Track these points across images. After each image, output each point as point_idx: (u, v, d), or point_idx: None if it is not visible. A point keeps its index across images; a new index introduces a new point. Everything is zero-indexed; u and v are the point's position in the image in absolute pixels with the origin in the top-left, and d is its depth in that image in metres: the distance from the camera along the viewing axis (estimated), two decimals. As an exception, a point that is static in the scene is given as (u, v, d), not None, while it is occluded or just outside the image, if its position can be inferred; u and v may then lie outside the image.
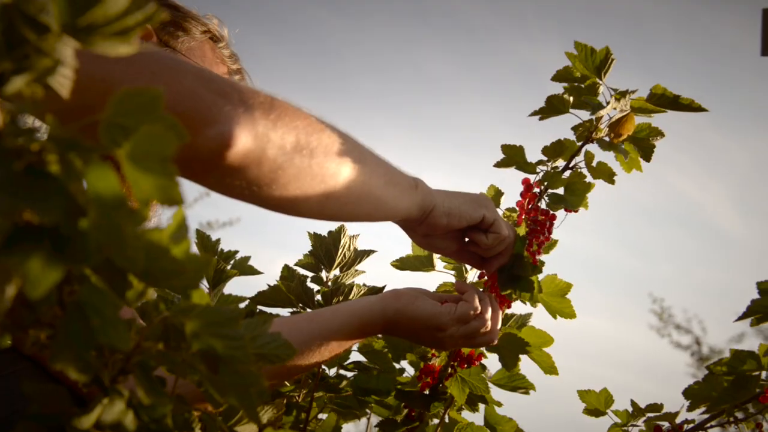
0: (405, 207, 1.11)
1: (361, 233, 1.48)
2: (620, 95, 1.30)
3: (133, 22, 0.40)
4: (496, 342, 1.31)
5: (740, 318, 1.21)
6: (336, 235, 1.45)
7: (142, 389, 0.57)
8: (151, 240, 0.49)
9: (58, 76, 0.43)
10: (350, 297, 1.38)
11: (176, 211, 0.53)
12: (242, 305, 1.37)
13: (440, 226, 1.18)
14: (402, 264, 1.47)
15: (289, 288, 1.35)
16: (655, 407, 1.35)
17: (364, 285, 1.41)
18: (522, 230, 1.36)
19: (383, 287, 1.43)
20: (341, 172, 0.96)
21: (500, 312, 1.31)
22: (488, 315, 1.27)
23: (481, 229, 1.24)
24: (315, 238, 1.46)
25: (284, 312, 1.38)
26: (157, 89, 0.46)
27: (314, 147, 0.92)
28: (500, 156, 1.39)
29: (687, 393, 1.27)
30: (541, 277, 1.35)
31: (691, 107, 1.30)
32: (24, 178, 0.38)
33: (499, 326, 1.31)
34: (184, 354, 0.60)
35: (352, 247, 1.46)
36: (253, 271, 1.51)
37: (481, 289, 1.32)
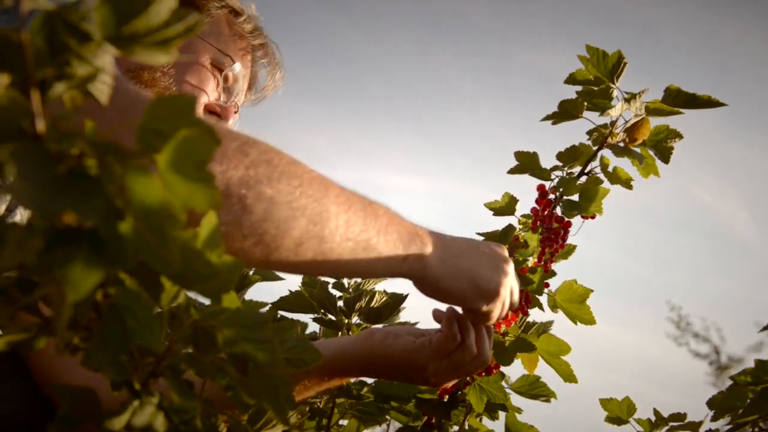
0: (383, 275, 1.01)
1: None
2: (631, 97, 1.30)
3: (174, 33, 0.41)
4: (489, 363, 1.22)
5: (765, 328, 1.21)
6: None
7: (174, 391, 0.58)
8: (185, 243, 0.50)
9: (98, 83, 0.44)
10: (372, 303, 1.39)
11: (208, 214, 0.54)
12: (263, 311, 1.38)
13: (425, 294, 1.06)
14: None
15: (312, 294, 1.36)
16: (678, 416, 1.35)
17: (385, 291, 1.42)
18: (537, 238, 1.36)
19: (406, 295, 1.43)
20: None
21: (488, 329, 1.20)
22: (471, 340, 1.16)
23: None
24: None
25: (306, 318, 1.39)
26: (190, 96, 0.47)
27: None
28: (513, 161, 1.40)
29: (711, 403, 1.26)
30: (558, 283, 1.36)
31: (709, 103, 1.29)
32: (66, 180, 0.39)
33: (489, 346, 1.20)
34: (213, 357, 0.61)
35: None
36: (274, 277, 1.51)
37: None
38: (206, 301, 0.60)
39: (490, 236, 1.41)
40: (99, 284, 0.44)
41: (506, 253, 1.11)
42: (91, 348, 0.50)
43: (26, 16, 0.40)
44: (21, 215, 1.14)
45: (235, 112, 1.51)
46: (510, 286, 1.10)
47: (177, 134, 0.45)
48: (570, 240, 1.37)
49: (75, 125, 0.42)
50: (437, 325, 1.19)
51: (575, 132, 1.38)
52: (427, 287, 1.02)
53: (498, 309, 1.09)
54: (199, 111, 1.41)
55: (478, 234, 1.42)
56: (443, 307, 1.17)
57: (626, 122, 1.32)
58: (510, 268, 1.10)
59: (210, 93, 1.42)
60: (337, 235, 0.87)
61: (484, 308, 1.07)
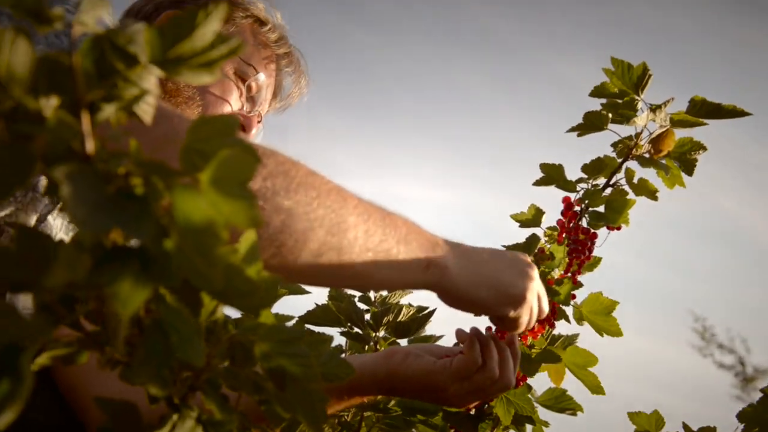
0: (405, 285, 0.99)
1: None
2: (656, 107, 1.30)
3: (218, 55, 0.43)
4: (511, 387, 1.20)
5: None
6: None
7: (212, 405, 0.59)
8: (227, 260, 0.51)
9: (143, 104, 0.45)
10: (399, 317, 1.39)
11: (248, 231, 0.55)
12: (290, 324, 1.39)
13: (449, 304, 1.05)
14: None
15: (339, 308, 1.36)
16: (708, 430, 1.34)
17: (411, 305, 1.42)
18: (563, 250, 1.37)
19: (433, 310, 1.43)
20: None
21: (514, 351, 1.19)
22: (493, 364, 1.15)
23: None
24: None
25: (332, 331, 1.39)
26: (232, 116, 0.48)
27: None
28: (537, 171, 1.40)
29: (741, 416, 1.25)
30: (585, 295, 1.36)
31: (735, 113, 1.29)
32: (115, 200, 0.40)
33: (512, 370, 1.19)
34: (250, 371, 0.62)
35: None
36: (300, 291, 1.52)
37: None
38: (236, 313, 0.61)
39: (515, 248, 1.41)
40: (146, 300, 0.45)
41: (530, 261, 1.09)
42: (135, 362, 0.51)
43: (76, 39, 0.41)
44: (51, 225, 1.15)
45: (259, 122, 1.52)
46: (537, 291, 1.08)
47: (219, 154, 0.46)
48: (595, 251, 1.38)
49: (121, 145, 0.44)
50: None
51: (600, 142, 1.39)
52: (450, 297, 1.01)
53: (526, 315, 1.07)
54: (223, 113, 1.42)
55: (503, 246, 1.42)
56: (467, 326, 1.17)
57: (651, 134, 1.32)
58: (535, 273, 1.08)
59: (233, 103, 1.43)
60: (356, 246, 0.87)
61: (511, 314, 1.05)
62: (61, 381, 1.12)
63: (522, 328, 1.09)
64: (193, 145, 0.46)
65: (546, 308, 1.12)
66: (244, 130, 1.47)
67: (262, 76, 1.46)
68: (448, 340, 1.40)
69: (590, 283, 1.37)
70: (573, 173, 1.38)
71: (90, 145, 0.41)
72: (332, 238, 0.84)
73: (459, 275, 0.99)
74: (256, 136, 1.55)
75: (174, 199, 0.43)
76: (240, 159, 0.46)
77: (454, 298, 1.01)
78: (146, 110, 0.45)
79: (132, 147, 0.45)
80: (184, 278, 0.48)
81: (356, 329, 1.41)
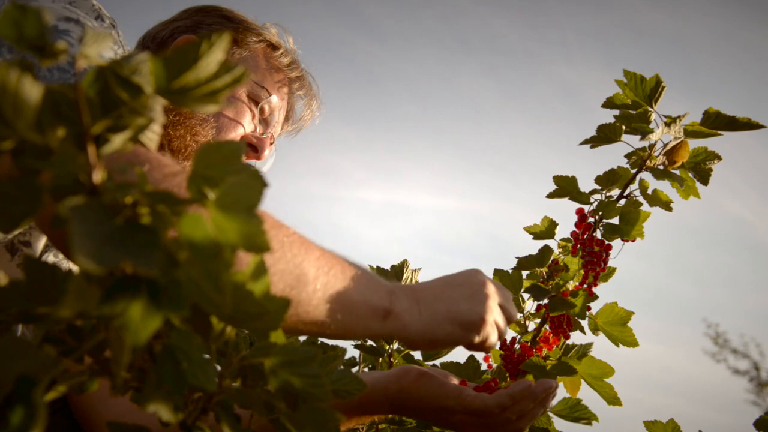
0: (364, 335, 1.01)
1: (423, 266, 1.49)
2: (671, 121, 1.30)
3: (222, 85, 0.43)
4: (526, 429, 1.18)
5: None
6: (399, 270, 1.47)
7: (226, 426, 0.59)
8: (236, 284, 0.51)
9: (149, 132, 0.45)
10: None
11: (255, 255, 0.55)
12: (302, 337, 1.40)
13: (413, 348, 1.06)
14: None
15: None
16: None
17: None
18: (577, 261, 1.36)
19: None
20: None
21: (544, 403, 1.17)
22: (514, 413, 1.13)
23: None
24: (377, 271, 1.48)
25: (346, 344, 1.39)
26: (237, 142, 0.48)
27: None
28: (545, 179, 1.40)
29: (759, 424, 1.24)
30: (600, 305, 1.35)
31: (750, 125, 1.28)
32: (124, 232, 0.41)
33: (532, 418, 1.17)
34: (262, 392, 0.62)
35: (414, 281, 1.48)
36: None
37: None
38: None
39: (528, 260, 1.41)
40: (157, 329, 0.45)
41: (481, 276, 1.09)
42: (147, 389, 0.51)
43: (81, 71, 0.41)
44: (56, 254, 1.16)
45: (271, 143, 1.53)
46: (495, 307, 1.07)
47: (226, 180, 0.46)
48: (610, 262, 1.37)
49: (128, 176, 0.44)
50: None
51: (612, 152, 1.38)
52: (412, 343, 1.02)
53: (493, 333, 1.07)
54: (236, 136, 1.43)
55: (516, 258, 1.42)
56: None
57: (665, 145, 1.32)
58: (489, 289, 1.07)
59: (246, 125, 1.45)
60: (314, 299, 0.90)
61: (477, 340, 1.05)
62: (75, 405, 1.13)
63: (495, 344, 1.09)
64: (201, 172, 0.47)
65: (514, 313, 1.12)
66: (256, 151, 1.49)
67: (274, 99, 1.49)
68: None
69: (604, 290, 1.36)
70: (585, 181, 1.38)
71: (97, 177, 0.42)
72: (291, 291, 0.87)
73: (417, 321, 1.00)
74: (269, 157, 1.56)
75: (181, 228, 0.44)
76: (247, 184, 0.47)
77: (417, 343, 1.02)
78: (152, 138, 0.46)
79: (139, 176, 0.45)
80: (193, 303, 0.48)
81: (370, 342, 1.41)
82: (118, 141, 0.43)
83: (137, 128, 0.44)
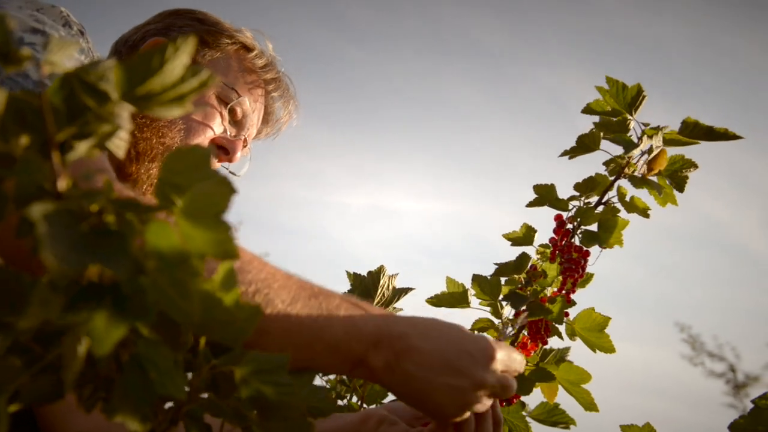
0: (328, 374, 0.96)
1: (406, 270, 1.49)
2: (653, 132, 1.30)
3: (189, 89, 0.42)
4: None
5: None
6: (376, 275, 1.47)
7: (195, 437, 0.59)
8: (204, 292, 0.50)
9: (116, 139, 0.45)
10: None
11: (225, 262, 0.54)
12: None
13: None
14: (437, 301, 1.48)
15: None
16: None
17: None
18: (555, 268, 1.36)
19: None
20: None
21: (495, 416, 1.06)
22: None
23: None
24: (354, 277, 1.48)
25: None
26: (204, 148, 0.48)
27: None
28: (527, 182, 1.40)
29: (733, 427, 1.24)
30: (577, 311, 1.36)
31: (726, 136, 1.29)
32: (91, 237, 0.40)
33: None
34: (233, 401, 0.62)
35: (390, 286, 1.48)
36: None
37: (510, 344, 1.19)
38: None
39: (506, 267, 1.41)
40: (123, 338, 0.45)
41: (490, 366, 0.96)
42: (114, 399, 0.50)
43: (45, 78, 0.41)
44: None
45: (245, 146, 1.51)
46: (474, 400, 0.96)
47: (193, 186, 0.46)
48: (588, 268, 1.37)
49: (93, 182, 0.43)
50: None
51: (592, 158, 1.39)
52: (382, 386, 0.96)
53: (466, 415, 0.97)
54: (204, 143, 1.42)
55: (495, 264, 1.42)
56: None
57: (643, 153, 1.32)
58: (481, 390, 0.96)
59: (215, 127, 1.43)
60: (275, 347, 0.85)
61: (442, 423, 0.98)
62: (41, 417, 1.11)
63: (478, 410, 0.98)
64: (168, 178, 0.46)
65: (511, 386, 1.00)
66: (228, 153, 1.47)
67: (246, 101, 1.47)
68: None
69: (583, 294, 1.36)
70: (565, 187, 1.39)
71: (62, 184, 0.41)
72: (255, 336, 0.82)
73: (387, 379, 0.93)
74: (245, 162, 1.55)
75: (147, 236, 0.43)
76: (215, 191, 0.46)
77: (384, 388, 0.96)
78: (119, 144, 0.45)
79: (105, 184, 0.45)
80: (161, 312, 0.48)
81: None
82: (82, 148, 0.42)
83: (103, 135, 0.43)
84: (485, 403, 0.98)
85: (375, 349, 0.92)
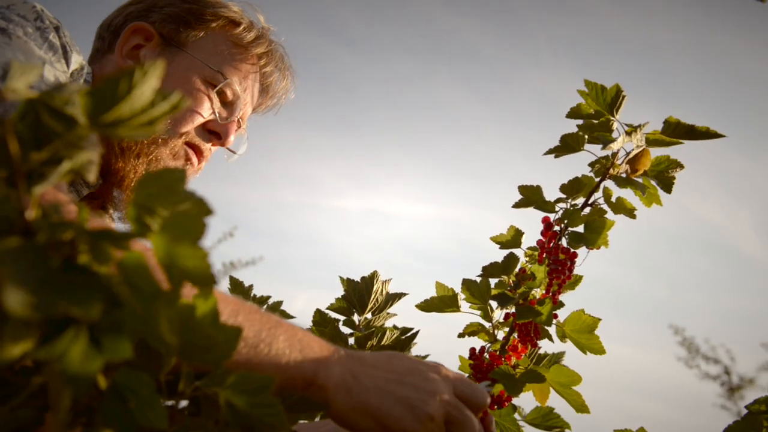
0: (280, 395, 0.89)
1: (399, 274, 1.48)
2: (632, 130, 1.30)
3: (159, 113, 0.41)
4: None
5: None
6: (369, 281, 1.46)
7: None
8: (184, 317, 0.49)
9: (87, 163, 0.43)
10: (383, 341, 1.38)
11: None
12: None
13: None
14: (427, 306, 1.47)
15: (323, 333, 1.36)
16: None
17: (395, 327, 1.42)
18: (543, 270, 1.35)
19: (417, 331, 1.43)
20: None
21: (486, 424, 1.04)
22: None
23: None
24: (348, 283, 1.47)
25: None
26: (178, 169, 0.46)
27: None
28: (516, 186, 1.39)
29: (728, 432, 1.24)
30: (567, 313, 1.35)
31: (708, 134, 1.29)
32: (62, 274, 0.39)
33: None
34: (216, 421, 0.60)
35: (384, 292, 1.47)
36: (286, 315, 1.51)
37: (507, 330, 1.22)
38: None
39: (494, 268, 1.40)
40: (99, 371, 0.43)
41: (442, 385, 0.95)
42: (96, 429, 0.49)
43: (8, 105, 0.39)
44: None
45: (239, 128, 1.48)
46: (433, 424, 0.92)
47: (169, 210, 0.45)
48: (576, 270, 1.37)
49: (63, 213, 0.42)
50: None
51: (580, 159, 1.38)
52: (333, 419, 0.91)
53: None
54: (194, 126, 1.37)
55: (483, 267, 1.41)
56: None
57: (627, 153, 1.32)
58: (439, 402, 0.93)
59: (204, 112, 1.39)
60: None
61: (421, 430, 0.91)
62: None
63: None
64: (142, 203, 0.45)
65: (470, 426, 0.96)
66: (219, 138, 1.43)
67: (234, 82, 1.42)
68: (435, 358, 1.39)
69: (575, 296, 1.36)
70: (553, 189, 1.38)
71: (30, 215, 0.40)
72: None
73: (342, 400, 0.89)
74: (242, 142, 1.52)
75: (123, 264, 0.42)
76: (191, 214, 0.45)
77: (335, 420, 0.91)
78: (90, 168, 0.44)
79: (78, 214, 0.43)
80: (140, 339, 0.46)
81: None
82: (55, 175, 0.41)
83: (76, 160, 0.42)
84: (441, 429, 0.94)
85: (326, 367, 0.89)
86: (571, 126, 1.37)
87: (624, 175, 1.32)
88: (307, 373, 0.87)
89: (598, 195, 1.35)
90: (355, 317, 1.48)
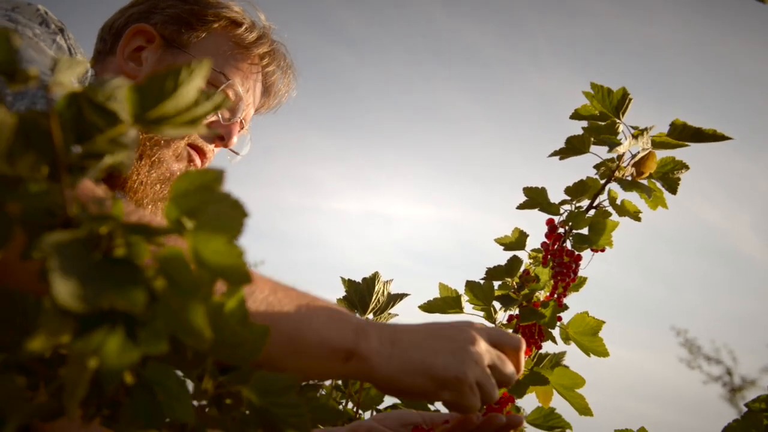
0: (323, 376, 0.91)
1: (400, 276, 1.49)
2: (639, 133, 1.30)
3: (202, 112, 0.41)
4: None
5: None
6: (371, 282, 1.46)
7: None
8: (215, 314, 0.49)
9: (126, 159, 0.43)
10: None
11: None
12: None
13: (381, 391, 0.96)
14: (430, 307, 1.47)
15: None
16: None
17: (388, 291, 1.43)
18: (547, 272, 1.36)
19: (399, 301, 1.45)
20: None
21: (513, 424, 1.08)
22: None
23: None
24: (349, 284, 1.47)
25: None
26: (217, 170, 0.46)
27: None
28: (519, 187, 1.40)
29: (727, 431, 1.25)
30: (571, 315, 1.35)
31: (715, 137, 1.30)
32: (104, 266, 0.39)
33: None
34: (239, 419, 0.61)
35: (385, 292, 1.47)
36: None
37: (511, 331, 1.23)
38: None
39: (497, 270, 1.41)
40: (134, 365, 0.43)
41: (476, 333, 0.99)
42: (123, 422, 0.49)
43: (53, 99, 0.39)
44: None
45: (241, 129, 1.48)
46: (476, 370, 0.95)
47: (205, 209, 0.45)
48: (580, 272, 1.37)
49: (103, 206, 0.42)
50: None
51: (583, 161, 1.38)
52: (381, 387, 0.93)
53: (469, 396, 0.95)
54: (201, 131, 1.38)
55: (487, 270, 1.41)
56: None
57: (633, 156, 1.32)
58: (477, 347, 0.97)
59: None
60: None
61: (449, 399, 0.94)
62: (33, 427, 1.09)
63: (474, 407, 0.97)
64: (178, 201, 0.45)
65: (508, 376, 1.01)
66: (222, 139, 1.43)
67: (236, 83, 1.42)
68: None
69: (578, 298, 1.36)
70: (556, 191, 1.38)
71: (71, 208, 0.40)
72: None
73: (386, 365, 0.90)
74: (245, 143, 1.52)
75: (160, 261, 0.42)
76: (227, 213, 0.45)
77: (386, 389, 0.93)
78: (126, 164, 0.44)
79: (115, 207, 0.43)
80: (172, 335, 0.46)
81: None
82: (96, 169, 0.41)
83: (115, 155, 0.42)
84: (486, 372, 0.97)
85: (365, 336, 0.90)
86: (572, 127, 1.37)
87: (629, 178, 1.32)
88: (348, 343, 0.88)
89: (603, 197, 1.36)
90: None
